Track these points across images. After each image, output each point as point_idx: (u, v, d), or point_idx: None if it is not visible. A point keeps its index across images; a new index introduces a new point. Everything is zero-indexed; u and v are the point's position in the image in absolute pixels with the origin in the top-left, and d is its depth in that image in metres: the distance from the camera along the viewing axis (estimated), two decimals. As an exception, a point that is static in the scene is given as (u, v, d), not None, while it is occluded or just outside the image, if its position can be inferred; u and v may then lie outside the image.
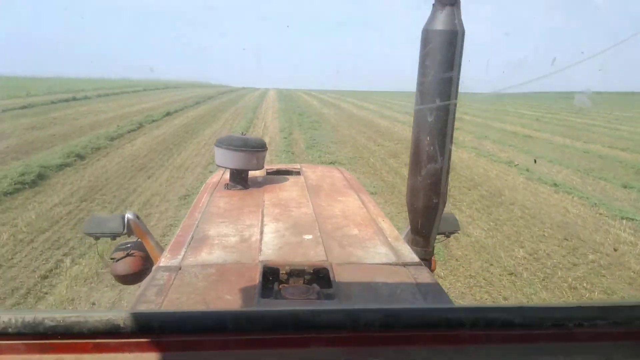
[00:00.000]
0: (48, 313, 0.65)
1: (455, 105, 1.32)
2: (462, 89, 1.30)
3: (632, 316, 0.74)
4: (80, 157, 9.05)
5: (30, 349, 0.67)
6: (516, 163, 9.93)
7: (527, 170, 9.10)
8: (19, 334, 0.65)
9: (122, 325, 0.66)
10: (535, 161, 10.04)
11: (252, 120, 18.40)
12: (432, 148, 1.29)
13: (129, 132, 12.99)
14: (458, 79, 1.29)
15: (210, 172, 6.76)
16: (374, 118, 21.36)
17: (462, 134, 13.95)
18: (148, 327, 0.67)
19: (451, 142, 1.35)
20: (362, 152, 11.36)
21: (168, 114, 18.42)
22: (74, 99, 25.08)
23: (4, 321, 0.64)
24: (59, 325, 0.65)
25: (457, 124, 1.35)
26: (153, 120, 15.93)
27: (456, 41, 1.23)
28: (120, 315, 0.66)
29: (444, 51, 1.21)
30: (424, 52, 1.25)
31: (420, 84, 1.28)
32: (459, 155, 10.53)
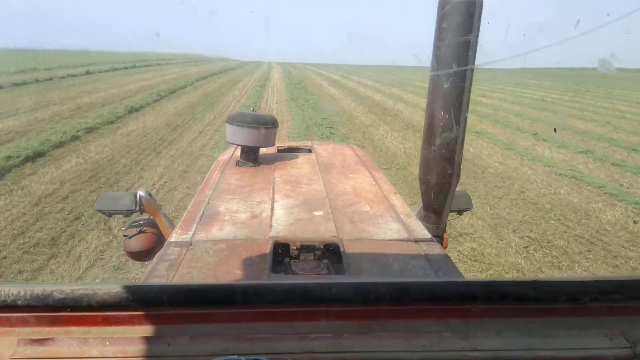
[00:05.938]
0: (57, 286, 0.65)
1: (472, 71, 1.26)
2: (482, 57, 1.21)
3: None
4: None
5: (39, 322, 0.67)
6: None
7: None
8: (28, 307, 0.65)
9: (131, 298, 0.65)
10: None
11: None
12: (447, 116, 1.24)
13: None
14: (476, 43, 1.23)
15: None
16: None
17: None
18: (157, 300, 0.66)
19: (467, 110, 1.30)
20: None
21: None
22: None
23: (13, 294, 0.64)
24: (68, 298, 0.65)
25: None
26: None
27: (475, 2, 1.16)
28: (129, 288, 0.65)
29: (462, 12, 1.14)
30: (441, 14, 1.18)
31: (437, 47, 1.22)
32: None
